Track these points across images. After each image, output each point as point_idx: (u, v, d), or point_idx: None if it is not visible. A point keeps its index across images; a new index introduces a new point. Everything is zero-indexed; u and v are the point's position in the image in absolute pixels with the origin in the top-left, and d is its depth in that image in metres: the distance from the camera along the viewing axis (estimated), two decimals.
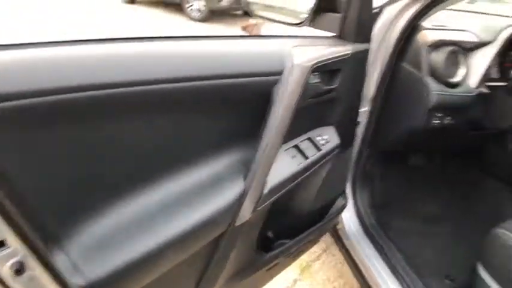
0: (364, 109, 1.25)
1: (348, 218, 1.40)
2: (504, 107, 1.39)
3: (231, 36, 0.82)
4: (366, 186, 1.46)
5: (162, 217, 0.68)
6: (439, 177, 1.77)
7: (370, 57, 1.07)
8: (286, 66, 0.78)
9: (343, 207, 1.26)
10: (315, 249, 1.69)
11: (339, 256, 1.64)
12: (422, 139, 1.42)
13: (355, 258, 1.33)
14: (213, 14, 6.41)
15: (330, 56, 0.88)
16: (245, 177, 0.78)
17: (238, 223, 0.81)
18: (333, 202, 1.23)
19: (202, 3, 6.19)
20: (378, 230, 1.38)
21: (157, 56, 0.62)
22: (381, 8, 1.11)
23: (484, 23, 1.37)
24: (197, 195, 0.73)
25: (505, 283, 0.98)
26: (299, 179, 0.90)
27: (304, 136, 0.96)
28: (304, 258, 1.64)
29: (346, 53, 0.92)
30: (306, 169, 0.92)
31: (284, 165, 0.87)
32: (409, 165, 1.73)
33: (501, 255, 1.03)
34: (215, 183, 0.76)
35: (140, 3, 7.74)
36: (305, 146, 0.94)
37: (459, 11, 1.61)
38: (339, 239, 1.42)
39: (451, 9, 1.41)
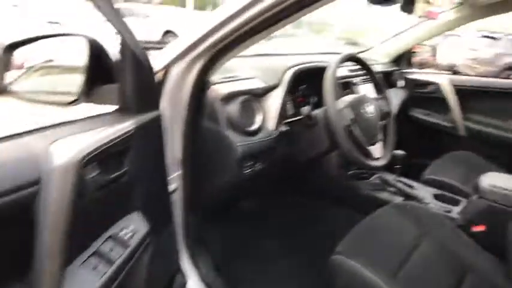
0: (177, 173, 1.16)
1: None
2: (304, 139, 1.48)
3: None
4: (205, 251, 1.38)
5: None
6: (275, 217, 1.82)
7: (167, 121, 1.00)
8: (42, 171, 0.61)
9: (184, 285, 1.16)
10: None
11: None
12: (243, 188, 1.41)
13: None
14: None
15: (108, 139, 0.75)
16: None
17: None
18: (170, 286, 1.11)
19: None
20: None
21: None
22: (166, 68, 1.05)
23: (270, 67, 1.44)
24: None
25: None
26: None
27: (104, 236, 0.79)
28: None
29: (129, 129, 0.81)
30: (115, 275, 0.75)
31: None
32: (242, 216, 1.74)
33: (340, 281, 1.09)
34: None
35: None
36: (108, 248, 0.78)
37: (249, 56, 1.67)
38: None
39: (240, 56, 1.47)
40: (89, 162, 0.67)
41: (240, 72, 1.36)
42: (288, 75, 1.41)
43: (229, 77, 1.29)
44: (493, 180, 1.40)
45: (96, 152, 0.69)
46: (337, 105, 1.28)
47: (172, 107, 1.09)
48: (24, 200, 0.59)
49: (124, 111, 0.87)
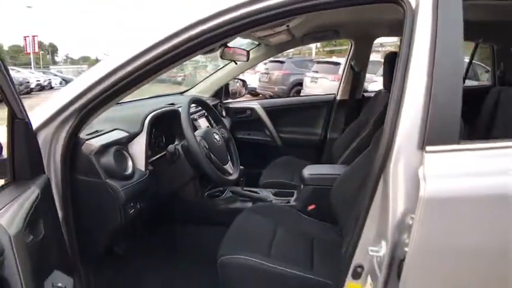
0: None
1: None
2: (169, 173, 1.72)
3: None
4: None
5: None
6: (155, 250, 1.95)
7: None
8: (3, 243, 0.73)
9: None
10: None
11: None
12: (130, 228, 1.53)
13: None
14: None
15: (29, 207, 0.87)
16: None
17: None
18: None
19: None
20: None
21: None
22: (35, 132, 1.11)
23: (126, 117, 1.64)
24: None
25: None
26: None
27: None
28: None
29: (37, 194, 0.93)
30: None
31: None
32: (122, 256, 1.81)
33: (232, 276, 1.35)
34: None
35: None
36: None
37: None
38: None
39: None
40: (26, 229, 0.81)
41: (99, 126, 1.47)
42: (147, 121, 1.63)
43: (95, 132, 1.41)
44: (310, 170, 1.92)
45: (27, 221, 0.82)
46: (196, 139, 1.58)
47: (47, 169, 1.17)
48: None
49: (19, 180, 0.97)
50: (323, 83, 8.93)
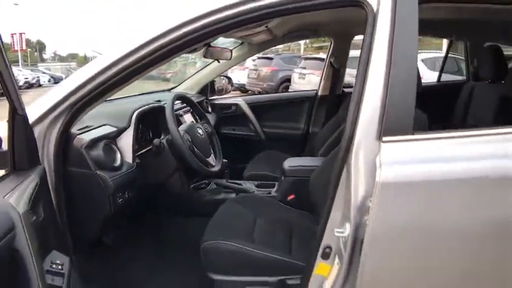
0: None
1: None
2: (155, 165, 1.81)
3: None
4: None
5: None
6: (143, 241, 2.03)
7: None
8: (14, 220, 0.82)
9: None
10: None
11: None
12: (117, 217, 1.62)
13: None
14: None
15: (31, 192, 0.96)
16: None
17: None
18: None
19: None
20: None
21: None
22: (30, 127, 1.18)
23: (114, 113, 1.73)
24: None
25: None
26: None
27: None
28: None
29: (37, 181, 1.03)
30: None
31: None
32: (112, 246, 1.89)
33: (216, 259, 1.44)
34: None
35: None
36: (50, 279, 0.98)
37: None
38: None
39: None
40: (30, 210, 0.90)
41: (89, 122, 1.57)
42: (134, 116, 1.73)
43: (85, 127, 1.51)
44: (290, 163, 2.03)
45: (30, 203, 0.91)
46: (179, 133, 1.68)
47: (41, 161, 1.25)
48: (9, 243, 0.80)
49: (18, 170, 1.06)
50: (311, 79, 8.99)
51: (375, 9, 1.05)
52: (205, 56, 1.89)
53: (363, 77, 1.03)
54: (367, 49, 1.04)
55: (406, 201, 0.99)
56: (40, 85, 19.07)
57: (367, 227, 0.97)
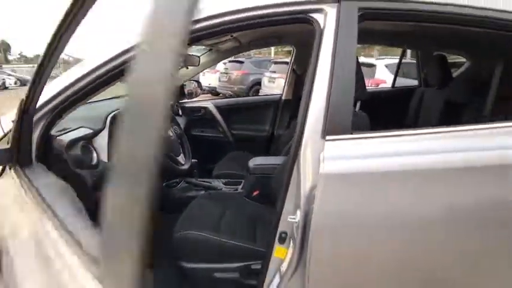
0: None
1: None
2: None
3: None
4: None
5: None
6: None
7: None
8: None
9: None
10: None
11: None
12: (93, 213, 1.72)
13: None
14: None
15: None
16: None
17: None
18: None
19: None
20: None
21: None
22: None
23: (89, 116, 1.84)
24: None
25: None
26: None
27: None
28: None
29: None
30: None
31: None
32: None
33: (187, 248, 1.57)
34: None
35: None
36: None
37: None
38: None
39: None
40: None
41: (66, 124, 1.65)
42: (109, 119, 1.86)
43: (63, 129, 1.61)
44: (255, 162, 2.19)
45: None
46: None
47: None
48: None
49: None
50: (280, 83, 9.13)
51: (321, 26, 1.23)
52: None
53: (310, 84, 1.20)
54: (314, 60, 1.21)
55: (344, 191, 1.15)
56: (6, 87, 18.50)
57: (313, 213, 1.12)
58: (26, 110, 1.18)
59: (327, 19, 1.22)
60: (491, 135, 1.22)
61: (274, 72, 9.86)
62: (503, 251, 1.20)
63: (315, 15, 1.24)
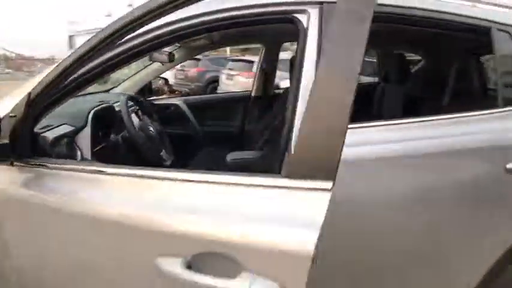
0: None
1: None
2: (111, 161, 1.92)
3: None
4: None
5: None
6: None
7: None
8: None
9: None
10: None
11: None
12: None
13: None
14: None
15: None
16: None
17: None
18: None
19: None
20: None
21: None
22: None
23: (71, 112, 1.83)
24: None
25: None
26: None
27: None
28: None
29: None
30: None
31: None
32: None
33: None
34: None
35: None
36: None
37: None
38: None
39: None
40: None
41: (48, 121, 1.64)
42: (90, 116, 1.86)
43: (46, 127, 1.61)
44: (232, 156, 2.26)
45: None
46: (136, 131, 1.85)
47: None
48: None
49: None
50: (238, 80, 9.29)
51: (305, 26, 1.28)
52: (150, 59, 2.06)
53: (297, 81, 1.24)
54: (300, 57, 1.25)
55: None
56: None
57: None
58: (31, 104, 1.19)
59: (311, 19, 1.27)
60: (446, 124, 1.32)
61: (232, 69, 9.96)
62: None
63: (299, 16, 1.30)
